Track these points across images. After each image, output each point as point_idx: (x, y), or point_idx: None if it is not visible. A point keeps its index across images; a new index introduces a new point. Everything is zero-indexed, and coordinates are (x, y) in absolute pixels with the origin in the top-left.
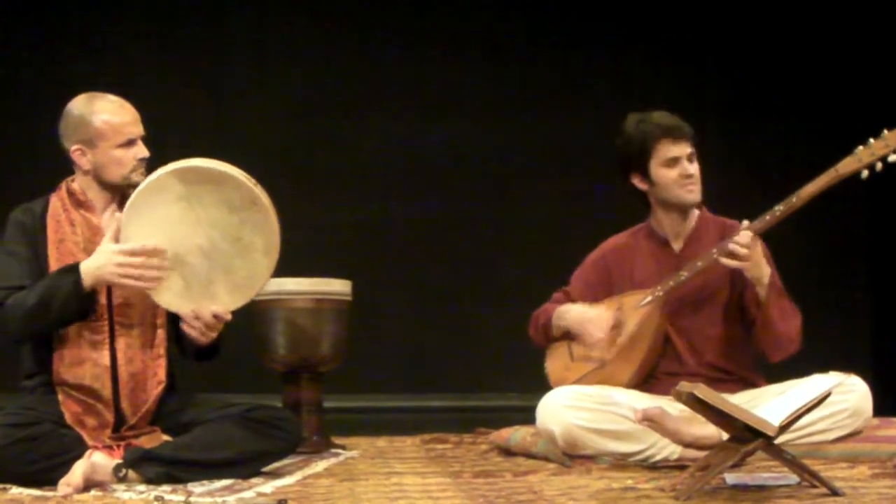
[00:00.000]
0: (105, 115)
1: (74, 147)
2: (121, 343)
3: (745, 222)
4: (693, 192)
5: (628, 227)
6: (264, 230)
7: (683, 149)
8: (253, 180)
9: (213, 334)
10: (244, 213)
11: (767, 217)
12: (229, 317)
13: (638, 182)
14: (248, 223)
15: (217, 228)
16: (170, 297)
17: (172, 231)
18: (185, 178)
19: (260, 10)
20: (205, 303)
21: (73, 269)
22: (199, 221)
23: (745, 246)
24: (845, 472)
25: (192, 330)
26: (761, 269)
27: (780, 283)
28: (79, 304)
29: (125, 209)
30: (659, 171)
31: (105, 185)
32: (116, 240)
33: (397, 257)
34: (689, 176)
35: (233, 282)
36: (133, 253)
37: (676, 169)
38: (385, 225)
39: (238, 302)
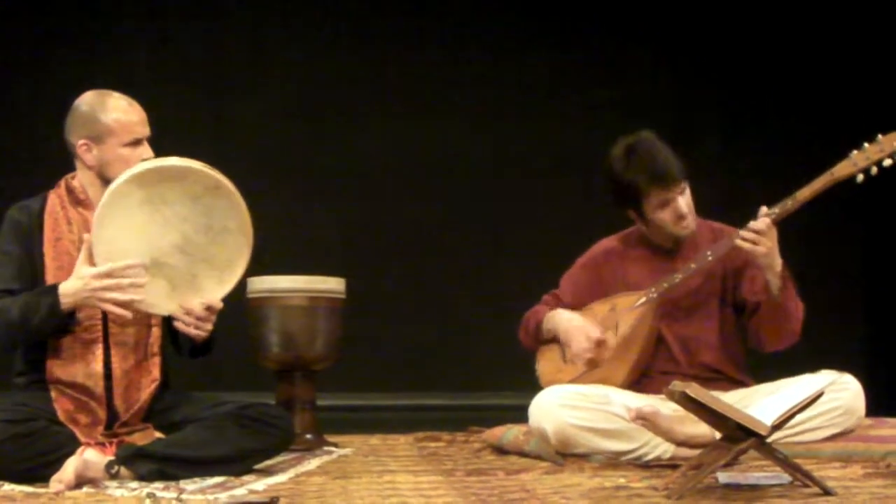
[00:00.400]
0: (116, 112)
1: (81, 142)
2: (115, 341)
3: (764, 209)
4: (687, 228)
5: (624, 227)
6: (232, 212)
7: (675, 191)
8: (210, 167)
9: (209, 326)
10: (209, 200)
11: None
12: (220, 305)
13: (632, 216)
14: (216, 209)
15: (187, 222)
16: (159, 303)
17: (144, 237)
18: (143, 182)
19: (259, 9)
20: (193, 297)
21: (52, 291)
22: (167, 221)
23: (759, 231)
24: (838, 471)
25: (186, 328)
26: (774, 258)
27: (789, 273)
28: (57, 324)
29: (92, 227)
30: (653, 214)
31: (107, 183)
32: (91, 261)
33: (392, 255)
34: (683, 216)
35: (215, 269)
36: (107, 274)
37: (669, 210)
38: (380, 223)
39: (225, 288)
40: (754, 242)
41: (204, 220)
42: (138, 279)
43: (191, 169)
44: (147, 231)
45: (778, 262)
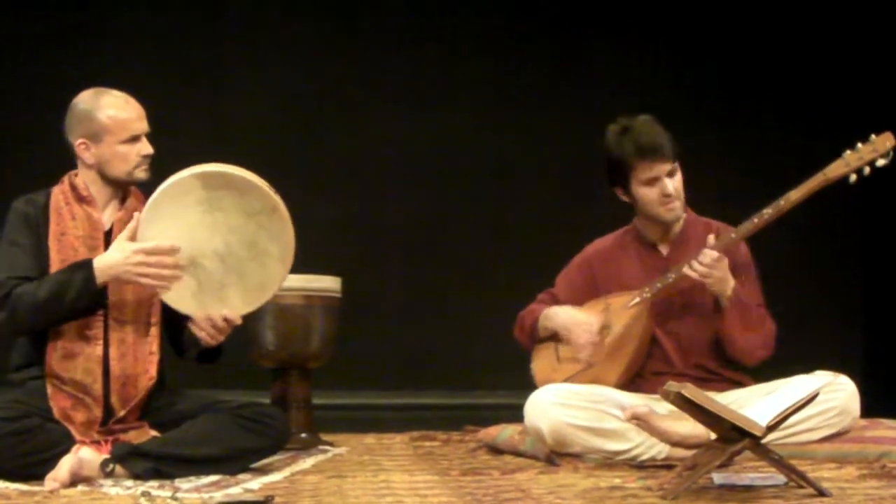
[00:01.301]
0: (111, 110)
1: (79, 141)
2: (114, 338)
3: (710, 238)
4: (672, 211)
5: (622, 227)
6: (281, 238)
7: (662, 168)
8: (273, 189)
9: (222, 337)
10: (262, 220)
11: (755, 220)
12: (239, 321)
13: (621, 194)
14: (266, 230)
15: (235, 233)
16: (181, 298)
17: (191, 233)
18: (208, 183)
19: (257, 5)
20: (216, 306)
21: (86, 265)
22: (217, 226)
23: (706, 265)
24: (832, 472)
25: (201, 332)
26: (724, 285)
27: (750, 295)
28: (90, 299)
29: (146, 207)
30: (639, 190)
31: (108, 181)
32: (133, 238)
33: (389, 254)
34: (669, 195)
35: (245, 286)
36: (151, 252)
37: (656, 188)
38: (377, 222)
39: (249, 307)
40: (703, 276)
41: (251, 236)
42: (177, 271)
43: (255, 185)
44: (195, 229)
45: (728, 288)
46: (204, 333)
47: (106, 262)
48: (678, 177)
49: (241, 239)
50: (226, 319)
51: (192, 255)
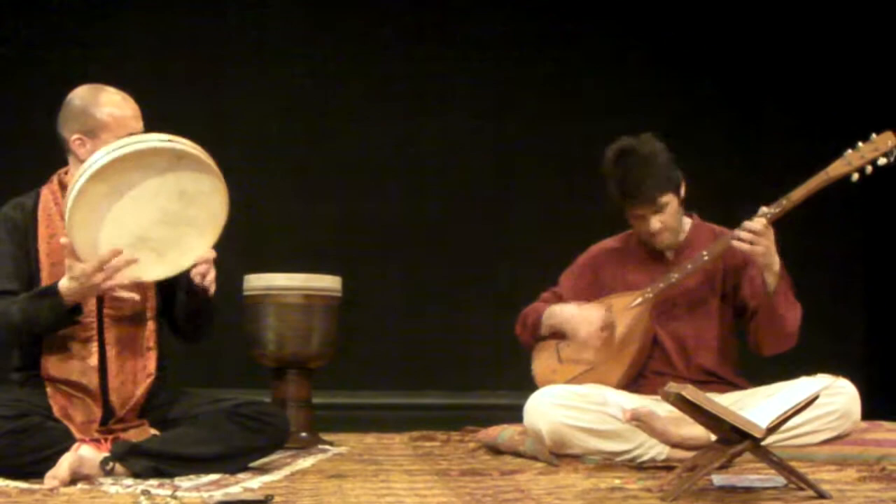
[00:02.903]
0: (110, 107)
1: (75, 137)
2: (110, 337)
3: (763, 208)
4: (663, 242)
5: (624, 228)
6: (201, 174)
7: (646, 210)
8: (167, 137)
9: (211, 276)
10: (176, 171)
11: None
12: (213, 254)
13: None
14: (184, 177)
15: (160, 195)
16: (149, 272)
17: (121, 224)
18: (103, 177)
19: (259, 5)
20: (183, 258)
21: (51, 293)
22: (138, 202)
23: (755, 231)
24: (832, 475)
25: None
26: (773, 257)
27: (787, 274)
28: (60, 323)
29: (67, 231)
30: (632, 221)
31: None
32: (77, 260)
33: (388, 254)
34: (653, 234)
35: (199, 228)
36: (99, 267)
37: (643, 226)
38: (377, 222)
39: (212, 240)
40: (751, 242)
41: (175, 188)
42: (130, 256)
43: (146, 150)
44: (122, 218)
45: (776, 262)
46: (198, 279)
47: (71, 288)
48: (669, 209)
49: (168, 196)
50: (204, 262)
51: (136, 235)
